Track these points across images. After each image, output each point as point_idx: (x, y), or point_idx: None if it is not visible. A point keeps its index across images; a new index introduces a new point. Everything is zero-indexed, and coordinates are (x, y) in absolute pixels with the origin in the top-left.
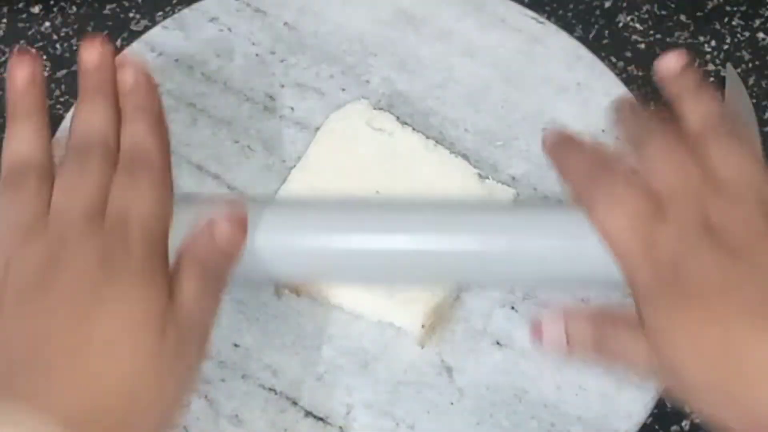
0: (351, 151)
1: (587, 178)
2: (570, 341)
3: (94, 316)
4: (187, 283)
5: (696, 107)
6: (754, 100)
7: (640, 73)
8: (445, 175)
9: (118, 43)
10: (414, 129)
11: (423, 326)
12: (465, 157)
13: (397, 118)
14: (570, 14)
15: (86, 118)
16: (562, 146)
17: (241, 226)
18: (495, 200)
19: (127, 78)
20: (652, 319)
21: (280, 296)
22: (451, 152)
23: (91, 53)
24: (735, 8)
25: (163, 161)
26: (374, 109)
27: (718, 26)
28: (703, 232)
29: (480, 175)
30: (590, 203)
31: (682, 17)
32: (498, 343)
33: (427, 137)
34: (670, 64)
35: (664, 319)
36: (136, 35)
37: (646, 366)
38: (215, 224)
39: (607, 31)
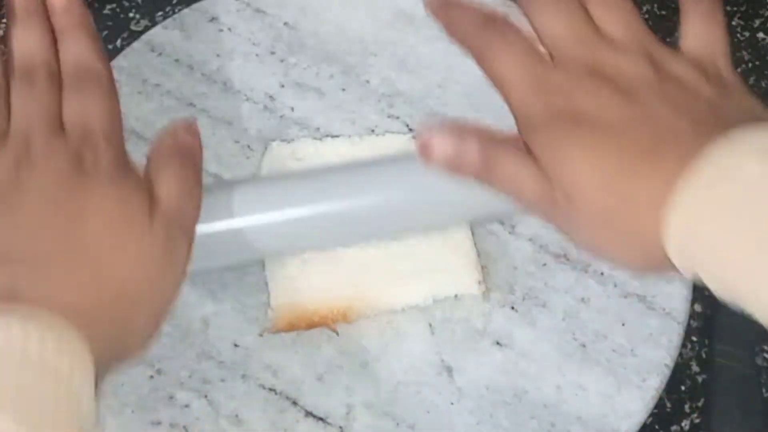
0: None
1: (478, 29)
2: (459, 159)
3: (79, 217)
4: (165, 180)
5: None
6: None
7: None
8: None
9: (118, 42)
10: (331, 136)
11: (480, 282)
12: None
13: (316, 130)
14: None
15: (24, 40)
16: (449, 5)
17: (196, 130)
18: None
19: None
20: (547, 146)
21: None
22: (373, 132)
23: None
24: (735, 8)
25: (108, 73)
26: (283, 141)
27: None
28: (597, 76)
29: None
30: (480, 50)
31: None
32: (498, 343)
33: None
34: None
35: (561, 146)
36: (136, 35)
37: (531, 195)
38: (174, 128)
39: None
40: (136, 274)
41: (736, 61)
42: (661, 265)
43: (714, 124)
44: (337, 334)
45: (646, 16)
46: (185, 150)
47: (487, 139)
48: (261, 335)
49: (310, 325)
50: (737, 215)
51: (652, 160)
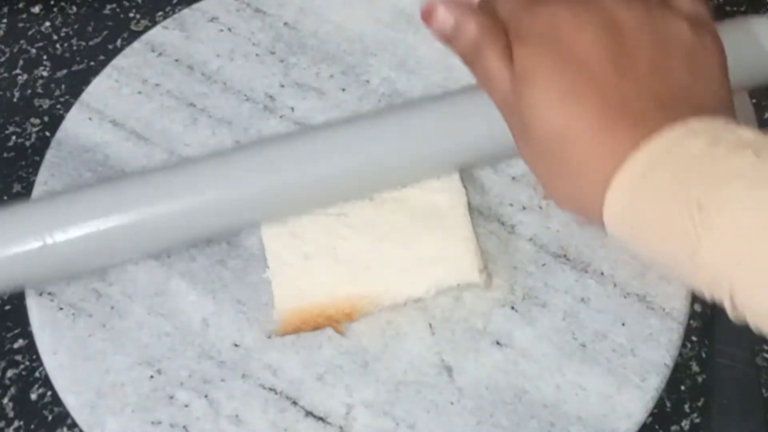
0: None
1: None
2: (455, 33)
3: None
4: None
5: None
6: (754, 100)
7: None
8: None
9: (118, 42)
10: None
11: (480, 271)
12: None
13: None
14: None
15: None
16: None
17: None
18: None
19: None
20: (524, 58)
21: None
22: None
23: None
24: (735, 8)
25: None
26: None
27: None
28: (592, 8)
29: None
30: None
31: None
32: (498, 343)
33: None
34: None
35: (534, 64)
36: (136, 35)
37: (499, 98)
38: None
39: None
40: None
41: None
42: (592, 216)
43: (682, 105)
44: (343, 335)
45: None
46: None
47: (487, 26)
48: (269, 337)
49: (317, 327)
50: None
51: (615, 120)
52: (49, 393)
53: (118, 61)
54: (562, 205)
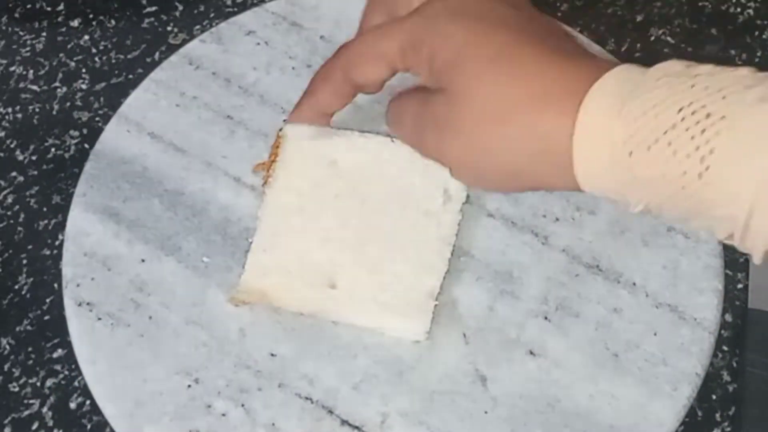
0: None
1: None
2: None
3: None
4: None
5: None
6: None
7: None
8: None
9: (156, 56)
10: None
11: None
12: None
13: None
14: (603, 27)
15: None
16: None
17: None
18: None
19: None
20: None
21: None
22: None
23: None
24: (766, 22)
25: None
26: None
27: (748, 40)
28: None
29: None
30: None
31: (713, 31)
32: (531, 353)
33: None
34: None
35: (452, 29)
36: (174, 49)
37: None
38: None
39: (639, 44)
40: None
41: (749, 58)
42: (548, 178)
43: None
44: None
45: (678, 29)
46: None
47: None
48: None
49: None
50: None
51: (564, 63)
52: (87, 402)
53: (156, 74)
54: (493, 177)
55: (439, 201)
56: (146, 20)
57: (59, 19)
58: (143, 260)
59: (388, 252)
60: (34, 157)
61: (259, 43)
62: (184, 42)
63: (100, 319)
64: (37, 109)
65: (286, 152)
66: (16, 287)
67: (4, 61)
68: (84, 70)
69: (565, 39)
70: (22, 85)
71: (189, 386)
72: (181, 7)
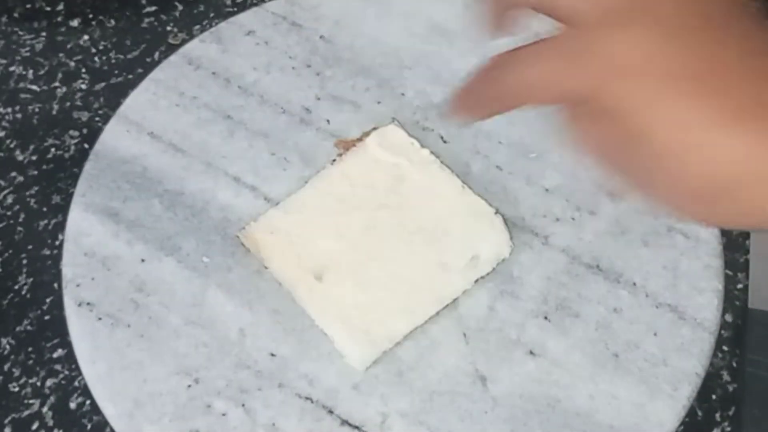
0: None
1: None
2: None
3: None
4: None
5: None
6: None
7: None
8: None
9: (156, 56)
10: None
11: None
12: (498, 168)
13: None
14: None
15: None
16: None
17: None
18: None
19: None
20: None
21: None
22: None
23: None
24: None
25: None
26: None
27: None
28: None
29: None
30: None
31: None
32: (531, 353)
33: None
34: None
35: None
36: (173, 48)
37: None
38: None
39: None
40: None
41: None
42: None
43: None
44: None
45: None
46: None
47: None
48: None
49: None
50: None
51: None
52: (87, 402)
53: (156, 74)
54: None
55: (462, 263)
56: (146, 20)
57: (59, 19)
58: (143, 260)
59: (384, 277)
60: (34, 157)
61: (258, 43)
62: (184, 42)
63: (100, 319)
64: (36, 109)
65: (366, 146)
66: (16, 287)
67: (4, 61)
68: (83, 70)
69: None
70: (21, 85)
71: (189, 386)
72: (180, 7)
